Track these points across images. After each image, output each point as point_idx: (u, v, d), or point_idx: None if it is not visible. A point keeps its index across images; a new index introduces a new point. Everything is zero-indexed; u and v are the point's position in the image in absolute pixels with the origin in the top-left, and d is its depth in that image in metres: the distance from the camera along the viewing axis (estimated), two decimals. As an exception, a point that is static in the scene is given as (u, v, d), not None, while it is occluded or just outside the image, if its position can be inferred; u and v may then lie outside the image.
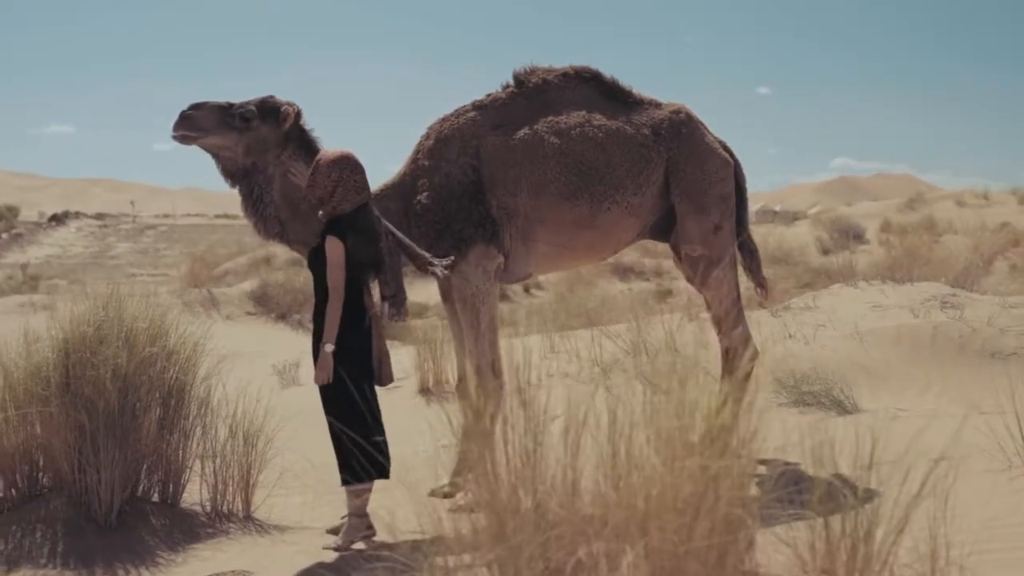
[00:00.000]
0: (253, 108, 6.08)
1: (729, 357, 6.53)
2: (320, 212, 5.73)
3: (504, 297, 21.87)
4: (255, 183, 6.14)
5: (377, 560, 4.40)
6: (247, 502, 6.12)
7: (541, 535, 3.29)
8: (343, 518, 5.65)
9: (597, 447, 3.48)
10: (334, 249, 5.54)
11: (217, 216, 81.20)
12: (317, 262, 5.63)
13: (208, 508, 6.07)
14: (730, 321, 6.58)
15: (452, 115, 6.49)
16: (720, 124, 7.41)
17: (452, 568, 3.41)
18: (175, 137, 6.04)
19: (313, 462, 6.78)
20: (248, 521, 6.03)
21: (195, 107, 6.05)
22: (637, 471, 3.25)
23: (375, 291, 5.80)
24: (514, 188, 6.29)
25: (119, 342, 5.88)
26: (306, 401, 6.99)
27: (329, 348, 5.51)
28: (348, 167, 5.62)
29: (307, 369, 11.84)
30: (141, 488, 6.00)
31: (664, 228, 6.68)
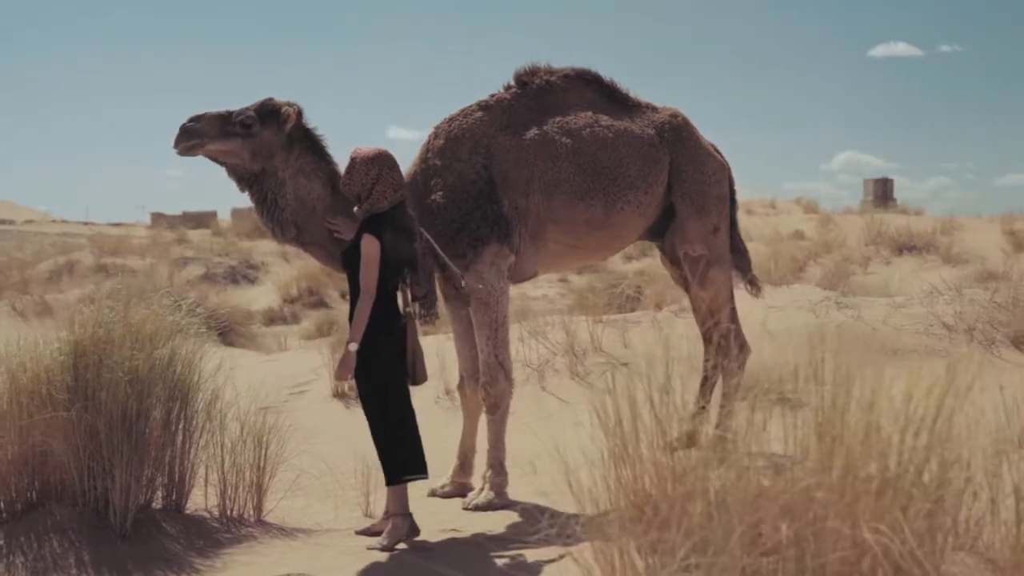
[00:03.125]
0: (252, 113, 6.01)
1: (722, 354, 6.74)
2: (356, 209, 5.67)
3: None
4: (267, 188, 6.04)
5: (522, 546, 4.41)
6: (259, 506, 5.98)
7: (750, 516, 3.39)
8: (384, 518, 5.59)
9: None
10: (370, 247, 5.47)
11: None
12: (351, 261, 5.56)
13: (216, 513, 5.91)
14: (725, 319, 6.81)
15: (459, 115, 6.48)
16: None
17: (655, 542, 3.45)
18: (178, 150, 5.96)
19: (318, 465, 6.66)
20: (265, 525, 5.90)
21: (195, 119, 5.98)
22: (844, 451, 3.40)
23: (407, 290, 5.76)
24: (526, 188, 6.33)
25: (130, 344, 5.68)
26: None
27: (353, 347, 5.45)
28: (387, 164, 5.58)
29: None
30: (147, 494, 5.79)
31: (657, 230, 6.85)
